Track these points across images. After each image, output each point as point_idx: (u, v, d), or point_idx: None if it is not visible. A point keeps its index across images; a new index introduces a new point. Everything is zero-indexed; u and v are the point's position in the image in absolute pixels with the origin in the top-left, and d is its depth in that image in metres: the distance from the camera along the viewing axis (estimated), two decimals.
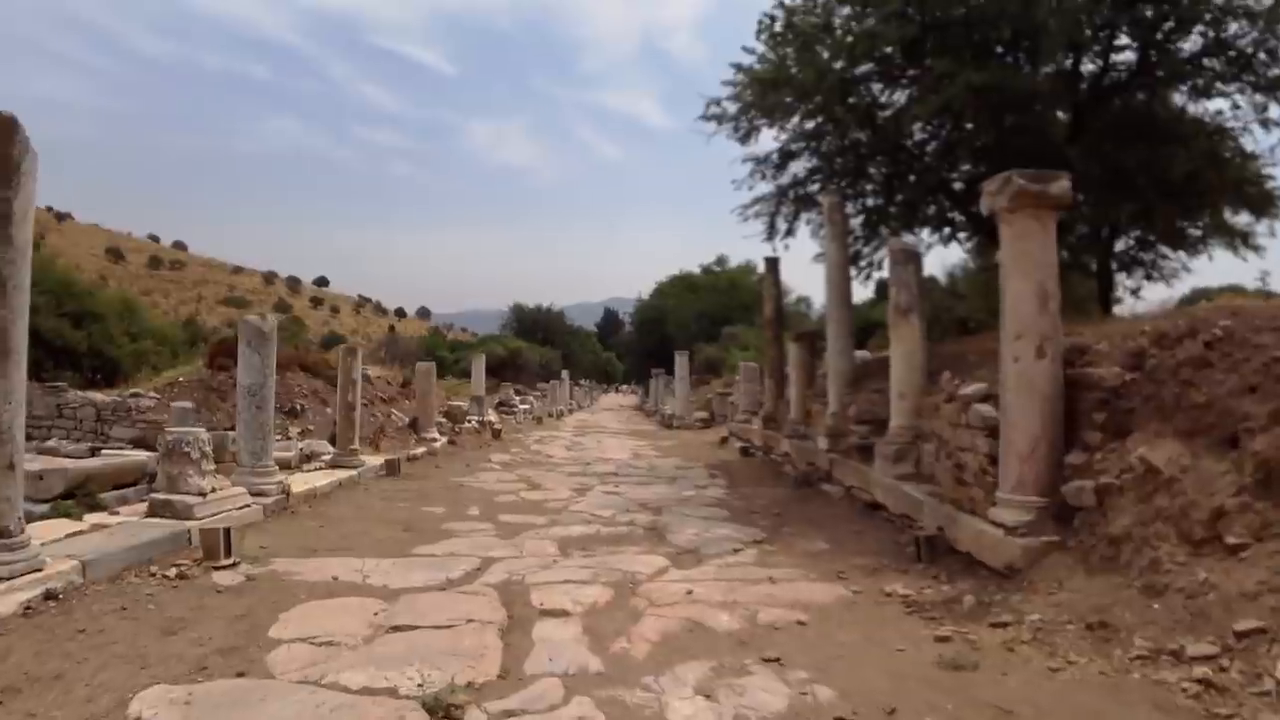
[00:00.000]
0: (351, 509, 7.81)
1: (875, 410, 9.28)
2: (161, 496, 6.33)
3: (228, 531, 5.60)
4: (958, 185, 12.89)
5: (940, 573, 5.21)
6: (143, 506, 6.51)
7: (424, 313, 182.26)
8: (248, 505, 6.90)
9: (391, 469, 9.96)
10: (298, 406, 11.58)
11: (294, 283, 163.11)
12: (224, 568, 5.42)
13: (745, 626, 4.21)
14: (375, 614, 4.37)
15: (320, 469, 9.49)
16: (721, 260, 55.24)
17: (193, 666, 3.53)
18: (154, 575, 5.08)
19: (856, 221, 13.48)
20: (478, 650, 3.78)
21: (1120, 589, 4.00)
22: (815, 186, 13.93)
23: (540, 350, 49.34)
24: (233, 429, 11.40)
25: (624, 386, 69.85)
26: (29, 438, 12.06)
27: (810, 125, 13.17)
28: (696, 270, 56.42)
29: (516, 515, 7.67)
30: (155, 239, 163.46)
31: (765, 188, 13.99)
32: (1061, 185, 4.97)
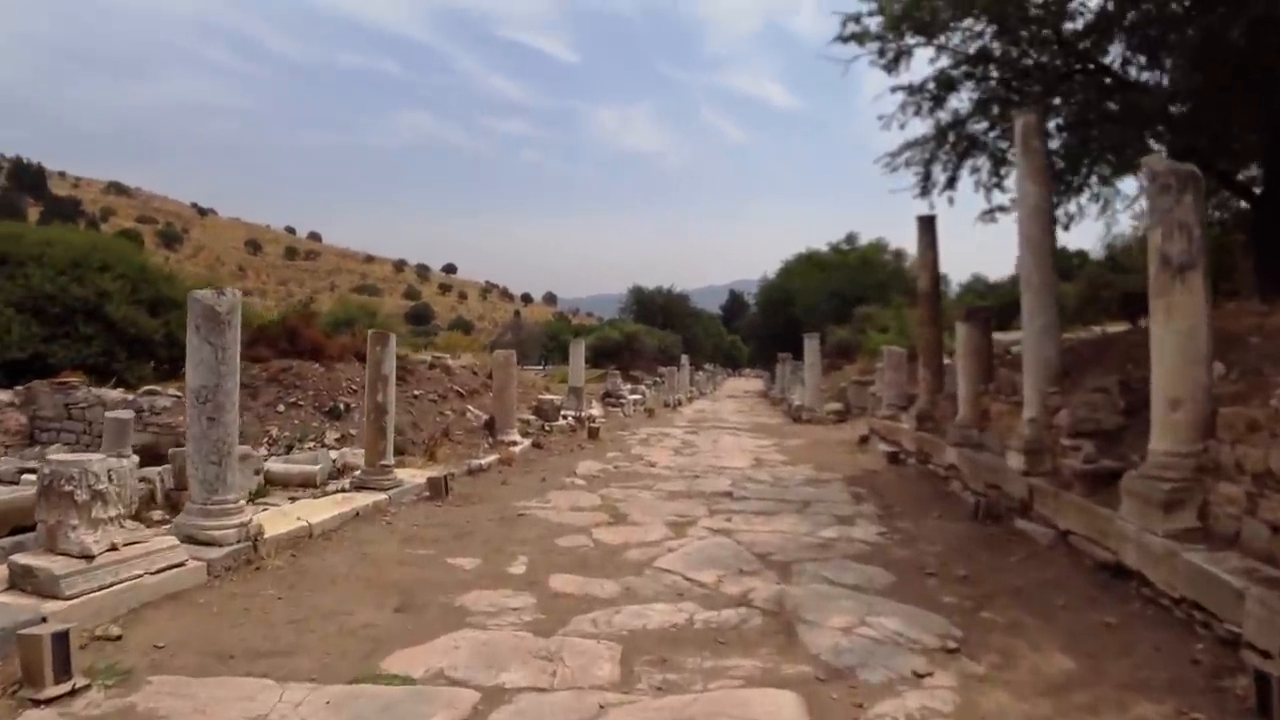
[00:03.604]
0: (348, 561, 5.55)
1: (1100, 417, 6.47)
2: (23, 561, 4.19)
3: (61, 638, 3.37)
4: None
5: None
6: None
7: (550, 298, 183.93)
8: (177, 566, 4.71)
9: (436, 490, 7.70)
10: (341, 406, 9.54)
11: (423, 270, 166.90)
12: (49, 701, 3.23)
13: None
14: None
15: (342, 491, 7.34)
16: (851, 238, 51.55)
17: None
18: None
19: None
20: None
21: None
22: (982, 125, 11.04)
23: (659, 334, 47.07)
24: (269, 436, 9.44)
25: (748, 370, 67.15)
26: (34, 442, 10.55)
27: (977, 44, 10.31)
28: (824, 249, 52.93)
29: (576, 577, 5.25)
30: (291, 231, 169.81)
31: (919, 127, 11.23)
32: None
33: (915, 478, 9.79)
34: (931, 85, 10.66)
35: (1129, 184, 11.53)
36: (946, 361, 11.29)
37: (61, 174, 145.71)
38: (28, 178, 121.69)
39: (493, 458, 10.03)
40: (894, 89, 10.86)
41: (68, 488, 4.29)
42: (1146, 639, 4.04)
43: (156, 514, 6.13)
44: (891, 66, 10.72)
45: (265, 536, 5.48)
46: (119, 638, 3.96)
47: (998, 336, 11.27)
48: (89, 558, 4.24)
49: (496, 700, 3.34)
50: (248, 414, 9.68)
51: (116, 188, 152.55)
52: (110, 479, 4.50)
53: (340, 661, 3.77)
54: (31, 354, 15.41)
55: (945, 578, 5.31)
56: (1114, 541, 5.04)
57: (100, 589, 4.20)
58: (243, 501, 5.53)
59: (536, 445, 11.87)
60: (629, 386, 25.56)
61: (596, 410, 18.10)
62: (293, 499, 7.33)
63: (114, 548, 4.40)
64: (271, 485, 7.96)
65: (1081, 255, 36.20)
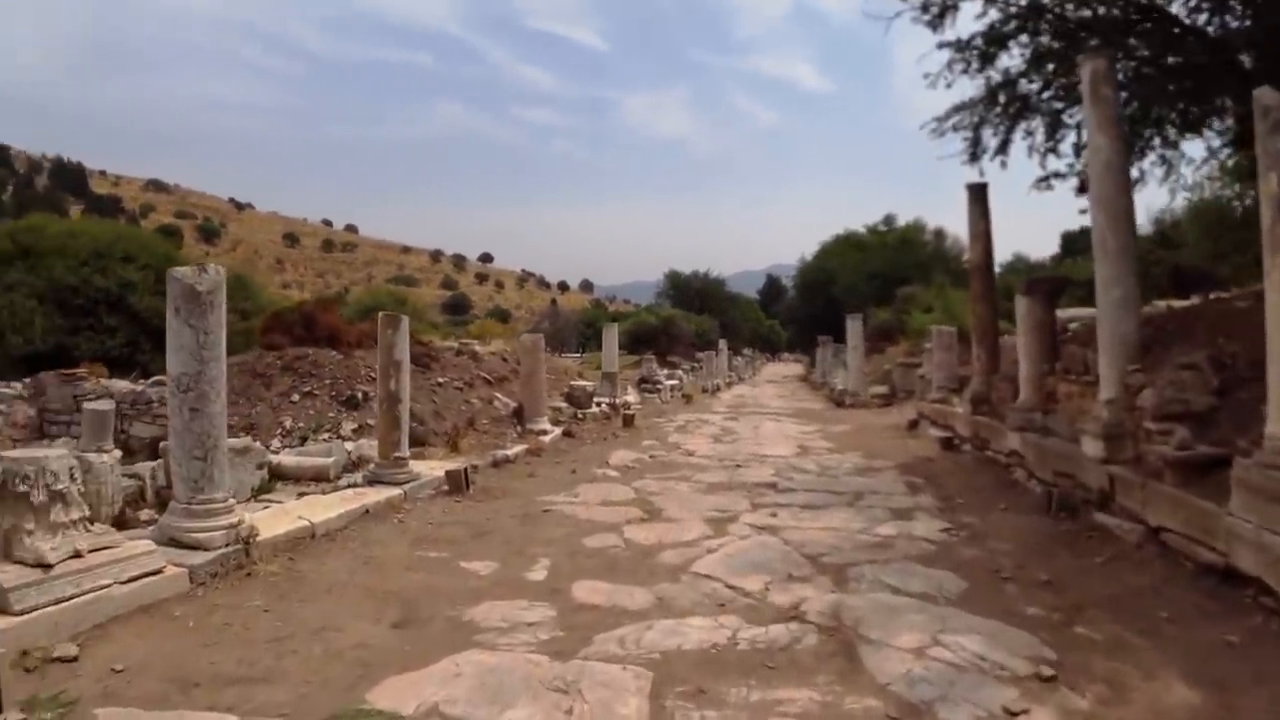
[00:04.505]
0: (350, 565, 4.99)
1: (1189, 398, 5.75)
2: None
3: None
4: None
5: None
6: None
7: (586, 286, 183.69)
8: (153, 574, 4.18)
9: (455, 484, 7.13)
10: (359, 395, 9.02)
11: (459, 260, 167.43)
12: None
13: None
14: None
15: (353, 486, 6.80)
16: (889, 219, 50.31)
17: None
18: None
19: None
20: None
21: None
22: (1035, 84, 10.23)
23: (696, 319, 46.35)
24: (282, 427, 8.96)
25: (786, 355, 66.21)
26: (44, 436, 10.13)
27: None
28: (861, 231, 51.71)
29: (603, 584, 4.64)
30: (328, 223, 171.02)
31: (967, 88, 10.45)
32: None
33: (973, 465, 9.08)
34: (980, 41, 9.86)
35: (1194, 147, 10.64)
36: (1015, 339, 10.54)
37: (102, 172, 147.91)
38: (69, 177, 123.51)
39: (520, 448, 9.47)
40: (940, 44, 10.06)
41: (22, 488, 3.77)
42: (1272, 656, 3.38)
43: (145, 513, 5.64)
44: (936, 23, 9.93)
45: (259, 539, 4.94)
46: (75, 659, 3.44)
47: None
48: (46, 567, 3.72)
49: None
50: (261, 404, 9.21)
51: (155, 184, 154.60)
52: (72, 478, 3.99)
53: (320, 692, 3.21)
54: (55, 346, 15.17)
55: (1024, 583, 4.64)
56: (1222, 541, 4.34)
57: (57, 602, 3.68)
58: (232, 500, 4.99)
59: (567, 434, 11.29)
60: (665, 372, 24.94)
61: (632, 397, 17.51)
62: (302, 494, 6.82)
63: (77, 554, 3.88)
64: (282, 480, 7.47)
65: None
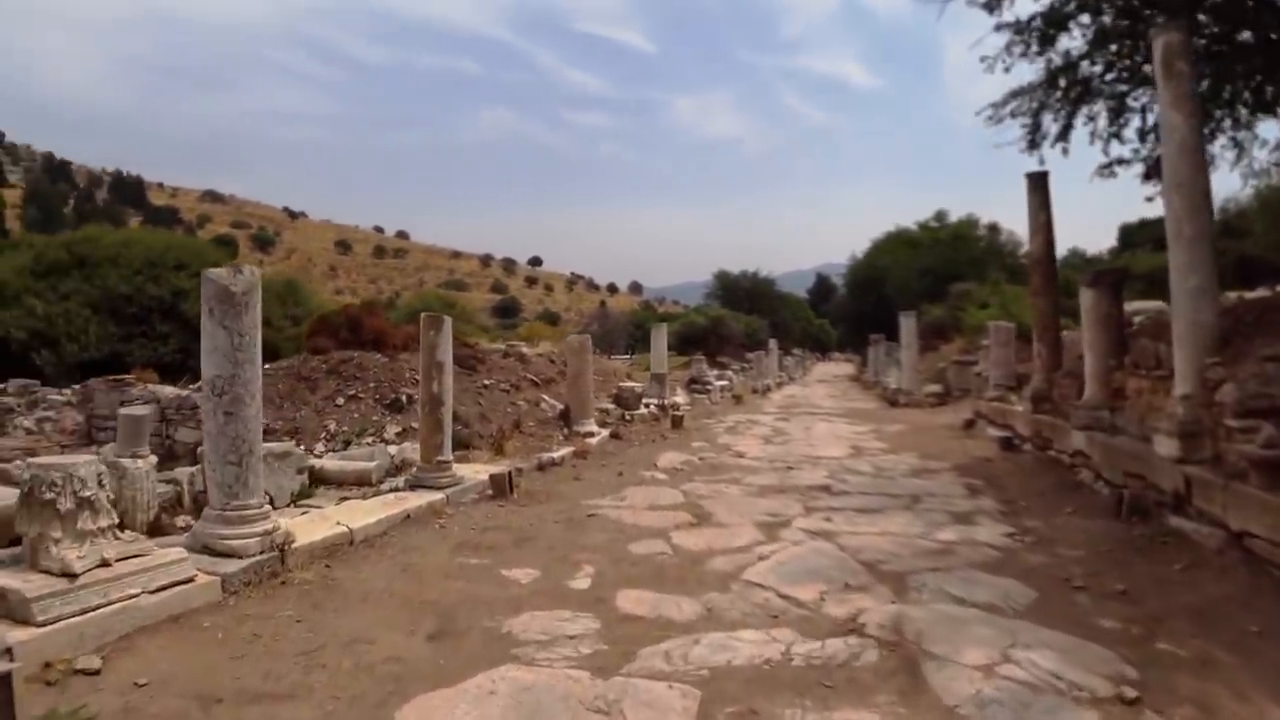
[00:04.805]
0: (387, 573, 4.83)
1: (1275, 393, 5.35)
2: None
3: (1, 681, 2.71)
4: None
5: None
6: None
7: (635, 287, 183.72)
8: (184, 582, 4.06)
9: (499, 488, 6.97)
10: (403, 398, 8.91)
11: (509, 264, 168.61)
12: None
13: None
14: None
15: (395, 491, 6.67)
16: (940, 215, 49.21)
17: None
18: None
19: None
20: None
21: None
22: (1098, 67, 9.81)
23: (745, 319, 45.92)
24: (326, 430, 8.90)
25: (837, 354, 65.40)
26: (92, 442, 10.18)
27: None
28: (913, 228, 50.73)
29: (649, 593, 4.42)
30: (380, 230, 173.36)
31: (1026, 73, 10.07)
32: None
33: (1035, 466, 8.70)
34: (1039, 22, 9.47)
35: (1269, 128, 10.14)
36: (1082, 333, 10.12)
37: (160, 185, 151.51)
38: (128, 190, 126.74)
39: (566, 450, 9.30)
40: (998, 26, 9.68)
41: (49, 495, 3.67)
42: None
43: (181, 519, 5.55)
44: (994, 4, 9.58)
45: (295, 545, 4.82)
46: (97, 671, 3.32)
47: None
48: (71, 576, 3.60)
49: None
50: (305, 408, 9.15)
51: (212, 195, 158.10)
52: (101, 484, 3.87)
53: (347, 710, 3.04)
54: (109, 353, 15.38)
55: (1098, 593, 4.34)
56: None
57: (83, 612, 3.56)
58: (268, 506, 4.87)
59: (615, 436, 11.10)
60: (715, 372, 24.65)
61: (681, 398, 17.27)
62: (344, 499, 6.71)
63: (105, 563, 3.76)
64: (324, 484, 7.37)
65: (1158, 223, 33.80)
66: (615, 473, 8.60)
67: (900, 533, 5.79)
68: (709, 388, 20.70)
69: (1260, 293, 11.00)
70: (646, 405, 13.88)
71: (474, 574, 4.85)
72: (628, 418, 12.64)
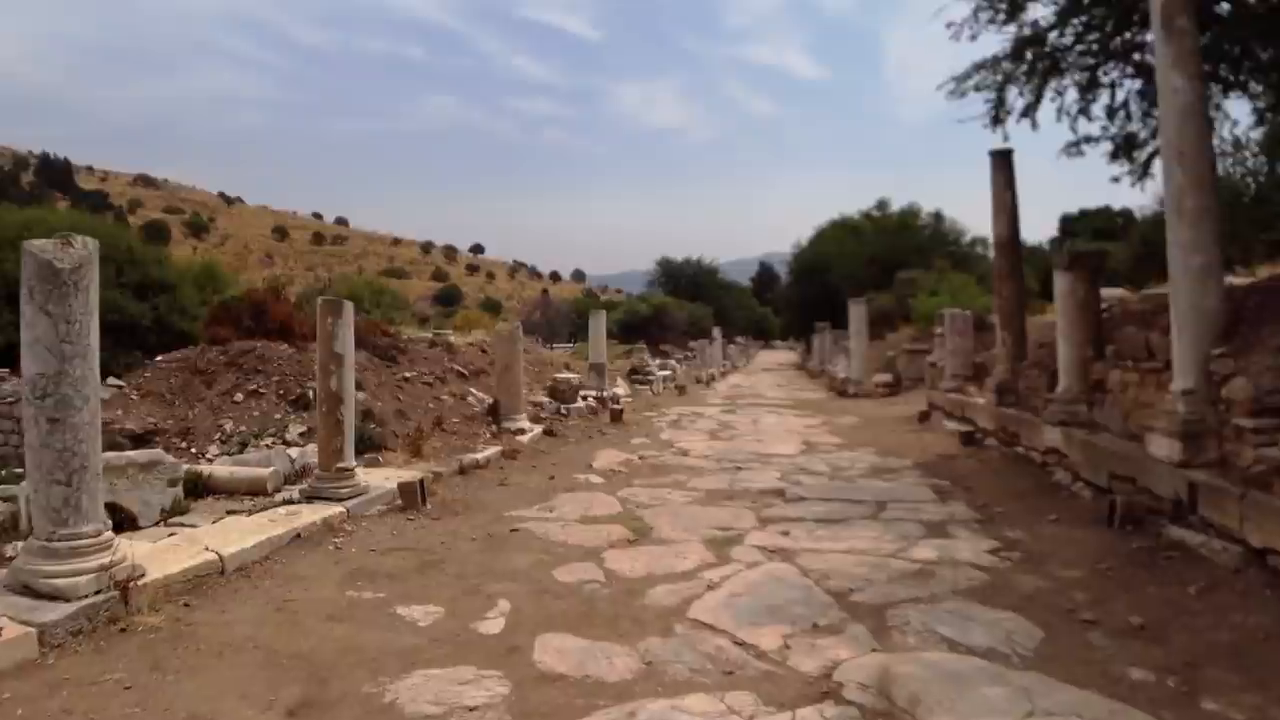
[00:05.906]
0: (257, 615, 3.92)
1: None
2: None
3: None
4: None
5: None
6: None
7: (579, 275, 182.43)
8: None
9: (409, 498, 6.06)
10: (310, 394, 7.94)
11: (450, 251, 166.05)
12: None
13: None
14: None
15: (287, 504, 5.74)
16: (882, 204, 48.90)
17: None
18: None
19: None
20: None
21: None
22: (1068, 39, 9.18)
23: (689, 307, 45.24)
24: (221, 431, 7.90)
25: (779, 343, 65.18)
26: None
27: None
28: (857, 216, 50.37)
29: (575, 640, 3.59)
30: (319, 216, 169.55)
31: (992, 41, 9.44)
32: None
33: (1003, 465, 8.07)
34: None
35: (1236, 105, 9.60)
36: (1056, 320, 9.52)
37: (89, 168, 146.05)
38: (55, 174, 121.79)
39: (493, 450, 8.41)
40: None
41: None
42: None
43: (13, 546, 4.55)
44: None
45: (146, 580, 3.91)
46: None
47: None
48: None
49: None
50: (199, 405, 8.11)
51: (144, 180, 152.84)
52: None
53: None
54: (6, 345, 14.07)
55: (1113, 629, 3.62)
56: None
57: None
58: (108, 533, 3.92)
59: (549, 433, 10.23)
60: (658, 362, 23.91)
61: (622, 389, 16.44)
62: (230, 513, 5.76)
63: None
64: (213, 493, 6.40)
65: (1126, 214, 33.89)
66: (546, 476, 7.75)
67: (870, 550, 5.03)
68: (651, 378, 19.92)
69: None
70: (584, 398, 13.03)
71: (364, 614, 3.97)
72: (563, 412, 11.79)
